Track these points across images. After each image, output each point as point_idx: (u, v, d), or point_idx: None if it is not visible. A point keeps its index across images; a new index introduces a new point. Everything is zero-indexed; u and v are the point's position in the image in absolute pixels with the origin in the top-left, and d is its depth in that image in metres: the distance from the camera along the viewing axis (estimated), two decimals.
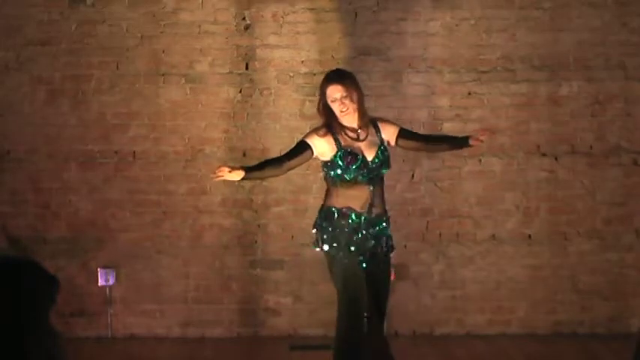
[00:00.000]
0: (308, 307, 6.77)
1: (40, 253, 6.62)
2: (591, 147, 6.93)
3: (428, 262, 6.96)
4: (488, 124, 6.82)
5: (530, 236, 6.96)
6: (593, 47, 6.89)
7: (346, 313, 5.10)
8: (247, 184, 6.91)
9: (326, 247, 5.17)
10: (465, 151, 6.86)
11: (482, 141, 5.23)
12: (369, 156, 5.17)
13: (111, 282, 6.89)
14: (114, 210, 6.92)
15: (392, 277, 5.61)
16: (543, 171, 6.94)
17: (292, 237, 6.94)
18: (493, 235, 6.96)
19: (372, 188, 5.15)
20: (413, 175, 6.94)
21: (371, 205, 5.15)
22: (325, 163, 5.21)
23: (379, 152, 5.20)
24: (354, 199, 5.14)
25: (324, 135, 5.19)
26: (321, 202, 5.30)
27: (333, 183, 5.19)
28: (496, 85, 6.91)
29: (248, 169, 5.16)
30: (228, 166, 5.12)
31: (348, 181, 5.14)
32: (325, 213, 5.19)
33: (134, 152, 6.93)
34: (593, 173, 6.93)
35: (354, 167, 5.13)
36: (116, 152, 6.93)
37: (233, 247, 6.95)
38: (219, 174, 5.08)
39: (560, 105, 6.93)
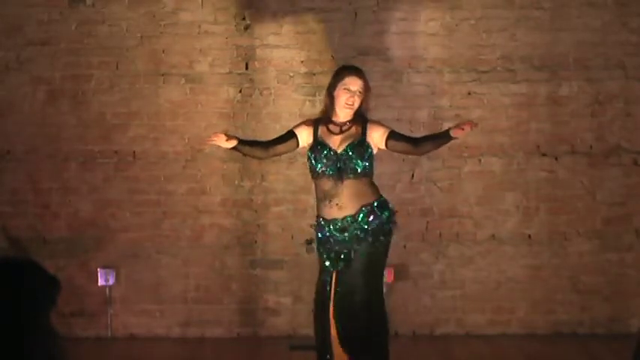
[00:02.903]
0: (308, 307, 6.72)
1: (40, 253, 6.62)
2: (591, 147, 6.93)
3: (428, 262, 6.96)
4: (488, 124, 6.82)
5: (530, 236, 6.96)
6: (593, 47, 6.89)
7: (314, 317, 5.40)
8: (247, 184, 6.92)
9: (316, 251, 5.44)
10: (465, 151, 6.89)
11: (463, 129, 5.14)
12: (340, 148, 5.22)
13: (111, 282, 6.89)
14: (114, 210, 6.92)
15: (387, 278, 5.65)
16: (543, 171, 6.94)
17: (292, 237, 6.94)
18: (493, 235, 6.96)
19: (339, 182, 5.17)
20: (413, 175, 6.94)
21: (344, 203, 5.17)
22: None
23: (351, 145, 5.22)
24: (324, 194, 5.22)
25: (309, 126, 5.35)
26: None
27: (312, 177, 5.33)
28: (496, 85, 6.91)
29: (241, 142, 5.38)
30: (225, 134, 5.31)
31: (318, 173, 5.24)
32: (316, 219, 5.38)
33: (134, 152, 6.93)
34: (593, 173, 6.93)
35: (320, 157, 5.21)
36: (116, 152, 6.93)
37: (233, 247, 6.95)
38: (214, 139, 5.31)
39: (560, 105, 6.93)
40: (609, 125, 6.92)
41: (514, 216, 6.96)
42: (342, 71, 5.35)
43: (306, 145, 5.35)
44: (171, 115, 6.92)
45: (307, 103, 6.87)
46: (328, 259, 5.25)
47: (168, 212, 6.93)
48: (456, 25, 6.89)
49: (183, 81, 6.90)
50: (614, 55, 6.89)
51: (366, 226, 5.20)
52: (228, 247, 6.95)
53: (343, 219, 5.19)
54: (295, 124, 5.55)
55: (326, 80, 6.48)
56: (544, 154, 6.94)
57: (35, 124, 6.89)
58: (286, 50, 6.90)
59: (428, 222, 6.96)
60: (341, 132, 5.26)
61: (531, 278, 6.96)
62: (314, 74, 6.87)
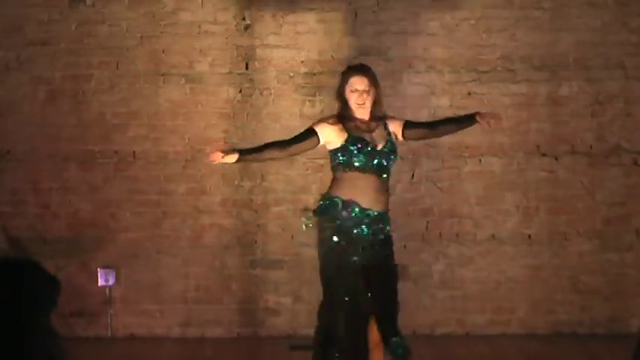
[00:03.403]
0: (308, 307, 6.75)
1: (40, 253, 6.61)
2: (591, 147, 6.93)
3: (428, 262, 6.96)
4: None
5: (530, 236, 6.96)
6: (593, 47, 6.89)
7: (326, 312, 5.25)
8: (247, 184, 6.92)
9: (323, 236, 5.17)
10: (465, 151, 6.89)
11: (489, 124, 5.20)
12: (379, 144, 5.18)
13: (111, 282, 6.89)
14: (114, 210, 6.92)
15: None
16: (543, 171, 6.94)
17: (292, 237, 6.94)
18: (493, 235, 6.96)
19: (378, 179, 5.14)
20: (413, 175, 6.94)
21: (376, 198, 5.14)
22: (334, 151, 5.18)
23: (389, 142, 5.21)
24: (360, 189, 5.12)
25: (334, 123, 5.21)
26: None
27: (342, 170, 5.16)
28: (496, 85, 6.91)
29: (243, 152, 5.26)
30: (222, 151, 5.20)
31: (357, 168, 5.12)
32: (329, 201, 5.15)
33: (134, 152, 6.93)
34: (593, 173, 6.93)
35: (364, 153, 5.12)
36: (116, 152, 6.93)
37: (233, 247, 6.95)
38: (213, 159, 5.20)
39: (560, 105, 6.93)
40: (609, 125, 6.92)
41: (514, 216, 6.96)
42: (347, 72, 5.30)
43: (333, 143, 5.20)
44: (171, 115, 6.92)
45: (307, 103, 6.87)
46: (351, 255, 5.14)
47: (168, 212, 6.94)
48: (456, 25, 6.89)
49: (183, 81, 6.90)
50: (614, 55, 6.89)
51: (385, 229, 5.21)
52: (228, 247, 6.95)
53: (375, 212, 5.14)
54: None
55: (326, 80, 6.51)
56: (544, 154, 6.94)
57: (35, 124, 6.90)
58: (286, 50, 6.90)
59: (428, 222, 6.96)
60: (370, 129, 5.23)
61: (531, 278, 6.96)
62: (314, 74, 6.87)
